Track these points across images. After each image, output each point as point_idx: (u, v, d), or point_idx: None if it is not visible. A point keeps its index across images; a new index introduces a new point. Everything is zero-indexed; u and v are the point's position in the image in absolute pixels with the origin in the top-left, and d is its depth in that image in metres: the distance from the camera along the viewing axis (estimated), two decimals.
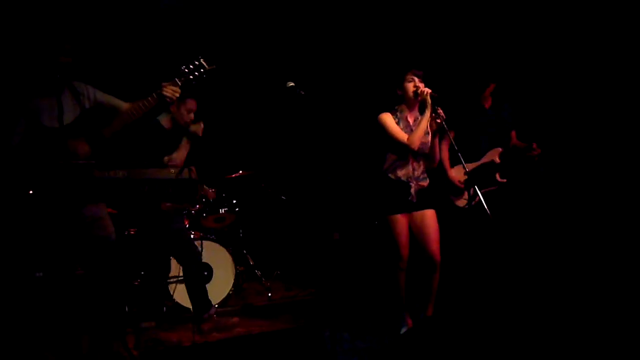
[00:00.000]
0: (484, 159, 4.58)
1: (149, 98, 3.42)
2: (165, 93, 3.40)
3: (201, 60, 3.47)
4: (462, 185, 4.55)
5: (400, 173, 4.01)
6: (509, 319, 3.86)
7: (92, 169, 3.43)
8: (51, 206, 3.35)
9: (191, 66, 3.46)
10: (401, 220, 4.01)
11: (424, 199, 4.08)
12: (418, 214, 4.05)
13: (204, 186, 4.83)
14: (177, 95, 3.44)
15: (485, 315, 4.00)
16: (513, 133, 4.77)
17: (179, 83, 3.43)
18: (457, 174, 4.59)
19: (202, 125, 4.18)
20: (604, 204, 5.10)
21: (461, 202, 4.59)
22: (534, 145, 4.50)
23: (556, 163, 5.02)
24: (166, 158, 4.10)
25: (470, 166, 4.48)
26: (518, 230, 4.58)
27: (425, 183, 4.09)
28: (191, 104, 4.31)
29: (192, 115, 4.30)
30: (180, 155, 4.15)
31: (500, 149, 4.58)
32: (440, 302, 4.13)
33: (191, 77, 3.46)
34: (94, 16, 5.26)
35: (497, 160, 4.56)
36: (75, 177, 3.33)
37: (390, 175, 4.02)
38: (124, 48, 5.64)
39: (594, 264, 4.83)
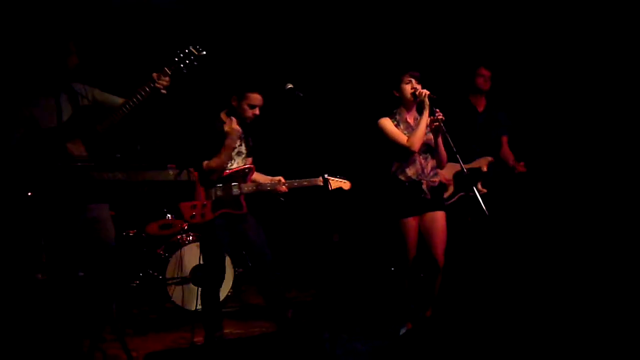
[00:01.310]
0: (473, 164, 4.57)
1: (141, 91, 3.41)
2: (157, 85, 3.42)
3: (190, 48, 3.51)
4: (451, 183, 4.52)
5: (410, 172, 3.98)
6: (508, 319, 3.86)
7: (90, 170, 3.43)
8: (50, 208, 3.35)
9: (181, 55, 3.50)
10: (412, 224, 3.99)
11: (436, 199, 4.07)
12: (428, 215, 4.02)
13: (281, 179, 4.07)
14: (167, 84, 3.44)
15: (483, 316, 4.00)
16: (505, 138, 4.77)
17: (169, 72, 3.45)
18: (447, 171, 4.56)
19: (237, 128, 3.90)
20: (597, 206, 5.12)
21: None
22: (522, 165, 4.56)
23: (548, 168, 5.00)
24: (205, 163, 3.87)
25: (455, 167, 4.46)
26: (507, 232, 4.58)
27: (437, 179, 4.06)
28: (253, 98, 3.93)
29: (256, 111, 3.94)
30: (219, 161, 3.88)
31: (490, 158, 4.58)
32: (438, 302, 4.12)
33: (181, 65, 3.50)
34: (89, 13, 5.24)
35: (484, 169, 4.55)
36: (74, 178, 3.33)
37: (400, 176, 3.99)
38: (119, 44, 5.62)
39: (591, 265, 4.84)
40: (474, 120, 4.65)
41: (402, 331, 4.10)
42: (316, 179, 4.06)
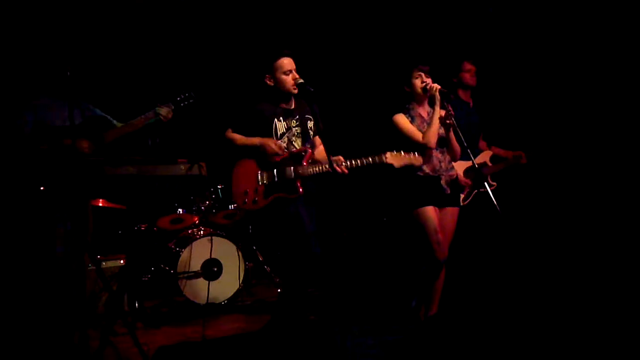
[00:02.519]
0: (477, 160, 4.52)
1: (147, 115, 3.81)
2: (160, 117, 3.80)
3: (191, 93, 4.00)
4: (470, 182, 4.47)
5: (428, 169, 3.95)
6: (515, 316, 3.86)
7: (102, 165, 3.46)
8: (62, 201, 3.39)
9: (182, 96, 3.96)
10: (432, 212, 3.92)
11: (455, 194, 4.05)
12: (444, 210, 4.00)
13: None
14: (170, 116, 3.82)
15: (491, 313, 4.00)
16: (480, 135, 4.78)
17: (172, 106, 3.87)
18: (458, 169, 4.51)
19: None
20: (596, 203, 5.11)
21: None
22: (523, 155, 4.60)
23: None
24: (229, 131, 3.84)
25: (464, 164, 4.44)
26: (518, 230, 4.56)
27: (454, 173, 4.04)
28: (283, 64, 3.72)
29: (295, 75, 3.71)
30: (240, 143, 3.81)
31: (491, 152, 4.56)
32: (445, 299, 4.11)
33: (182, 104, 3.95)
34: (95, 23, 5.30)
35: (489, 163, 4.53)
36: (86, 173, 3.37)
37: (418, 173, 3.95)
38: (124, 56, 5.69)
39: (594, 264, 4.82)
40: (467, 115, 4.61)
41: (413, 304, 4.10)
42: (382, 154, 3.66)
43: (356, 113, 6.06)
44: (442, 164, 3.99)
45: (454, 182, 4.04)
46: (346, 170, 3.62)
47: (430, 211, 3.92)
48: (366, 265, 5.98)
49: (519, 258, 4.45)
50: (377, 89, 5.75)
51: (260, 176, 3.72)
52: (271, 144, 3.70)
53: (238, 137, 3.81)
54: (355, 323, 4.28)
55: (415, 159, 3.70)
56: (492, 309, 4.12)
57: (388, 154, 3.65)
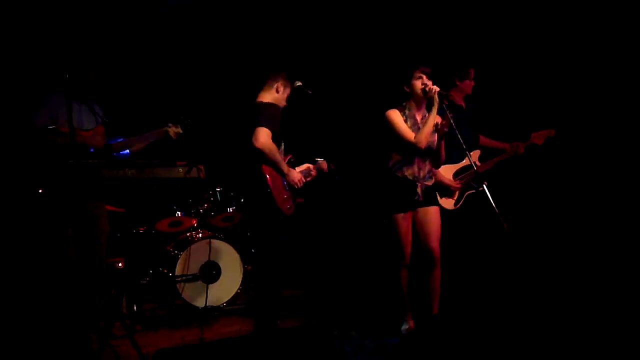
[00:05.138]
0: (465, 161, 4.47)
1: (155, 132, 3.89)
2: (170, 133, 3.91)
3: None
4: (459, 186, 4.37)
5: (407, 172, 3.97)
6: (515, 317, 3.85)
7: (101, 167, 3.46)
8: (61, 204, 3.39)
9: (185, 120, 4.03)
10: (406, 219, 4.00)
11: (429, 196, 4.06)
12: (421, 210, 4.03)
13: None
14: (180, 133, 3.93)
15: (490, 313, 3.99)
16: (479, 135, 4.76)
17: (185, 122, 3.95)
18: (446, 173, 4.40)
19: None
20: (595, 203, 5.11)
21: (447, 203, 4.37)
22: (520, 145, 4.54)
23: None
24: (265, 130, 3.65)
25: (452, 168, 4.41)
26: (514, 230, 4.56)
27: (430, 182, 4.07)
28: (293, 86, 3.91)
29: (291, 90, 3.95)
30: (271, 153, 3.69)
31: (478, 151, 4.53)
32: (444, 300, 4.11)
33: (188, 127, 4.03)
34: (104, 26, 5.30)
35: (478, 162, 4.50)
36: (85, 175, 3.37)
37: (397, 173, 3.99)
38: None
39: (594, 263, 4.82)
40: (460, 116, 4.56)
41: (404, 328, 4.09)
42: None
43: (351, 111, 6.05)
44: (421, 172, 4.01)
45: (428, 189, 4.06)
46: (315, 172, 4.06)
47: (403, 219, 3.99)
48: (364, 268, 5.98)
49: (517, 257, 4.45)
50: (375, 87, 5.74)
51: (285, 183, 3.80)
52: (295, 179, 3.81)
53: (276, 153, 3.69)
54: (354, 325, 4.28)
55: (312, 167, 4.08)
56: (491, 310, 4.12)
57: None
